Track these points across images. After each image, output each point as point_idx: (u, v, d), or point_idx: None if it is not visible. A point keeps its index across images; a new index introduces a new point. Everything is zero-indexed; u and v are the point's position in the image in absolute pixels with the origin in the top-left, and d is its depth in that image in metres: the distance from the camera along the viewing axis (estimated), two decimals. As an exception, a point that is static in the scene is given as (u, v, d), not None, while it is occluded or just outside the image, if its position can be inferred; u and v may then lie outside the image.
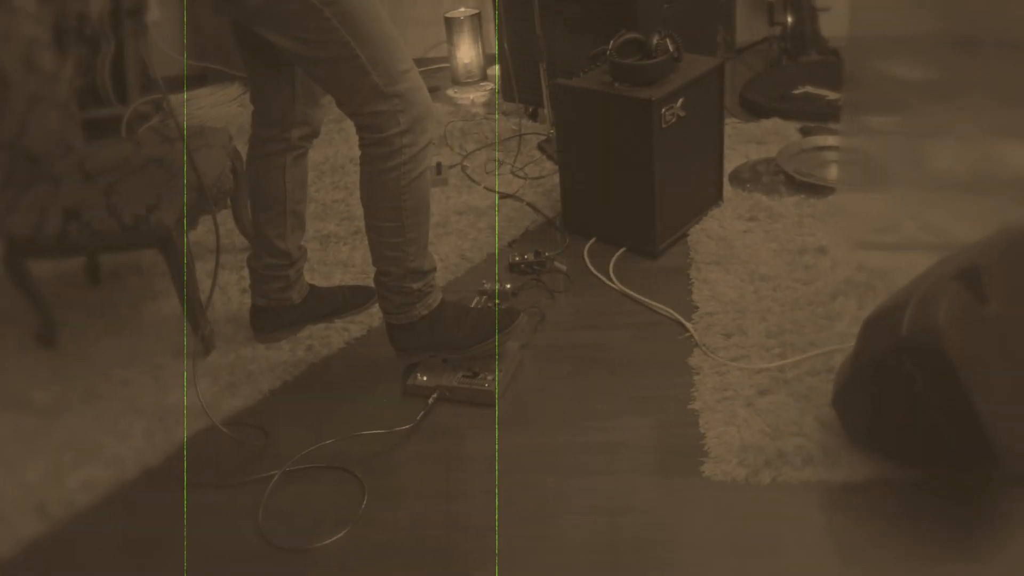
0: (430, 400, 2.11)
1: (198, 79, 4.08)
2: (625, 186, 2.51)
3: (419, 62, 4.01)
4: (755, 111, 3.31)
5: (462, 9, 3.73)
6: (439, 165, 3.10)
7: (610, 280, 2.48)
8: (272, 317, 2.37)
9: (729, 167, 2.92)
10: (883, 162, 2.64)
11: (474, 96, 3.74)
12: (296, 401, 2.22)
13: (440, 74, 3.94)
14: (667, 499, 1.81)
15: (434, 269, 2.12)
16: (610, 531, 1.75)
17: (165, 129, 2.57)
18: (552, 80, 2.64)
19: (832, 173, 2.82)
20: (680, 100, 2.43)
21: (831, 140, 2.94)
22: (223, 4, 1.86)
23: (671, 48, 2.42)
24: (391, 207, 1.97)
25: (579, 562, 1.70)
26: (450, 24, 3.69)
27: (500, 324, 2.13)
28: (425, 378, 2.16)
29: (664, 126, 2.40)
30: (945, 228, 2.43)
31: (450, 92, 3.80)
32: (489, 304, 2.38)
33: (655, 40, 2.43)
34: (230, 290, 2.64)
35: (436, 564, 1.75)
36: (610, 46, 2.44)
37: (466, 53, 3.72)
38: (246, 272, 2.41)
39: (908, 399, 1.66)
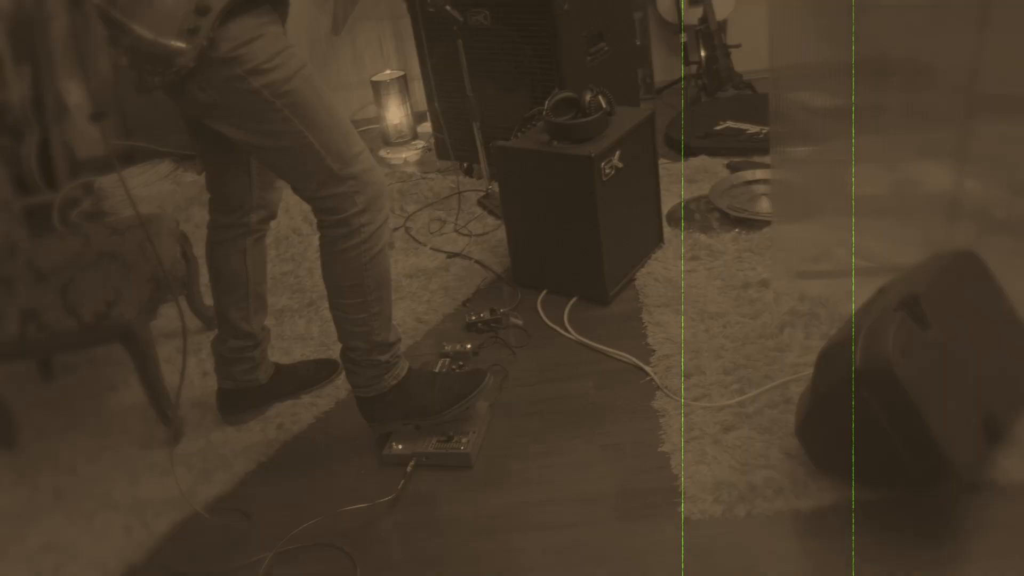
0: (408, 468, 2.15)
1: (126, 158, 4.06)
2: (571, 239, 2.60)
3: (349, 125, 4.13)
4: (680, 150, 3.45)
5: (387, 72, 3.81)
6: (384, 229, 3.15)
7: (566, 331, 2.56)
8: (240, 399, 2.38)
9: (664, 208, 3.04)
10: (811, 191, 2.78)
11: (407, 155, 3.81)
12: (274, 481, 2.23)
13: (371, 135, 4.00)
14: (649, 543, 1.88)
15: (399, 340, 2.17)
16: (600, 581, 1.82)
17: (109, 219, 2.56)
18: (490, 141, 2.72)
19: (764, 206, 2.96)
20: (617, 153, 2.54)
21: (759, 173, 3.09)
22: (179, 100, 1.89)
23: (603, 104, 2.53)
24: (354, 285, 2.02)
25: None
26: (377, 87, 3.76)
27: (468, 387, 2.18)
28: (400, 446, 2.20)
29: (604, 179, 2.50)
30: (875, 251, 2.57)
31: (382, 153, 3.86)
32: (453, 367, 2.43)
33: (588, 97, 2.53)
34: (190, 373, 2.64)
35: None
36: (545, 106, 2.54)
37: (395, 114, 3.79)
38: (204, 355, 2.42)
39: (866, 425, 1.77)
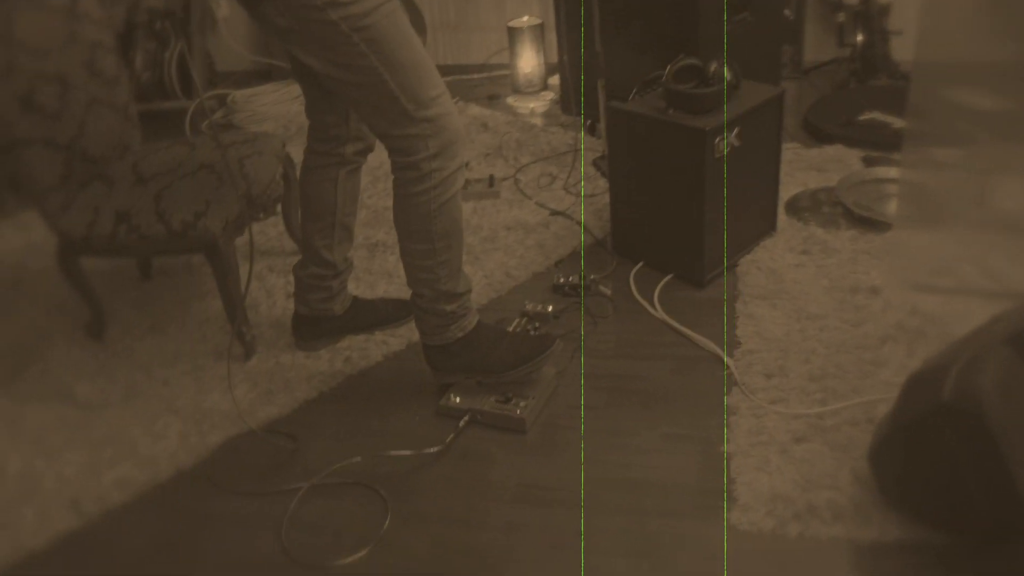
0: (461, 423, 2.11)
1: (263, 75, 4.13)
2: (674, 213, 2.47)
3: (481, 68, 4.08)
4: (818, 136, 3.23)
5: (525, 18, 3.71)
6: (491, 178, 3.09)
7: (654, 308, 2.45)
8: (313, 326, 2.39)
9: (786, 195, 2.85)
10: (945, 198, 2.54)
11: (534, 105, 3.72)
12: (330, 413, 2.23)
13: (501, 82, 3.93)
14: (691, 546, 1.77)
15: (469, 291, 2.11)
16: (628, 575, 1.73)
17: (220, 133, 2.59)
18: (608, 100, 2.60)
19: (893, 208, 2.74)
20: (736, 129, 2.38)
21: (894, 172, 2.85)
22: (259, 22, 1.87)
23: (729, 76, 2.37)
24: (422, 230, 1.97)
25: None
26: (512, 33, 3.67)
27: (535, 351, 2.11)
28: (458, 399, 2.15)
29: (717, 156, 2.35)
30: (1007, 274, 2.33)
31: (510, 101, 3.78)
32: (528, 327, 2.36)
33: (713, 67, 2.38)
34: (277, 294, 2.67)
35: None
36: (666, 71, 2.40)
37: (527, 62, 3.70)
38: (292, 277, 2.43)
39: (945, 464, 1.60)
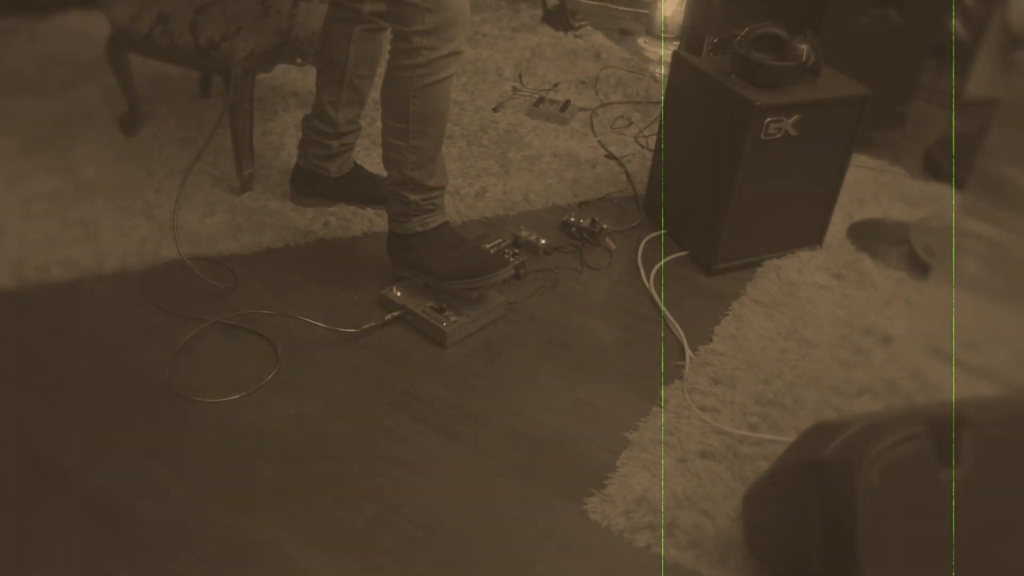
0: (388, 317, 2.03)
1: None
2: (706, 188, 2.25)
3: (626, 1, 3.85)
4: (933, 171, 2.87)
5: (680, -42, 3.46)
6: (567, 103, 2.93)
7: (647, 278, 2.26)
8: (308, 181, 2.35)
9: (857, 215, 2.56)
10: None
11: (664, 52, 3.49)
12: (283, 265, 2.20)
13: (639, 20, 3.71)
14: (532, 516, 1.64)
15: (441, 187, 2.01)
16: (454, 519, 1.62)
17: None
18: (680, 50, 2.38)
19: (967, 267, 2.40)
20: (795, 116, 2.12)
21: (985, 229, 2.49)
22: None
23: (805, 55, 2.11)
24: (399, 107, 1.87)
25: (391, 532, 1.59)
26: (662, -29, 3.44)
27: (481, 269, 1.99)
28: (399, 294, 2.07)
29: (765, 138, 2.11)
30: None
31: (641, 41, 3.56)
32: (507, 252, 2.23)
33: (794, 41, 2.12)
34: (290, 143, 2.63)
35: (291, 459, 1.70)
36: (743, 32, 2.16)
37: (669, 6, 3.47)
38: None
39: (800, 522, 1.40)
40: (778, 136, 2.13)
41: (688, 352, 2.03)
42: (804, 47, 2.12)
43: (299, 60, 2.45)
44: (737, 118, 2.10)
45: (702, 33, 2.79)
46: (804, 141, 2.17)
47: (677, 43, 3.55)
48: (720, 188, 2.19)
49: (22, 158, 2.50)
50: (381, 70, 2.01)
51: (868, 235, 2.50)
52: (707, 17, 2.73)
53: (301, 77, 2.97)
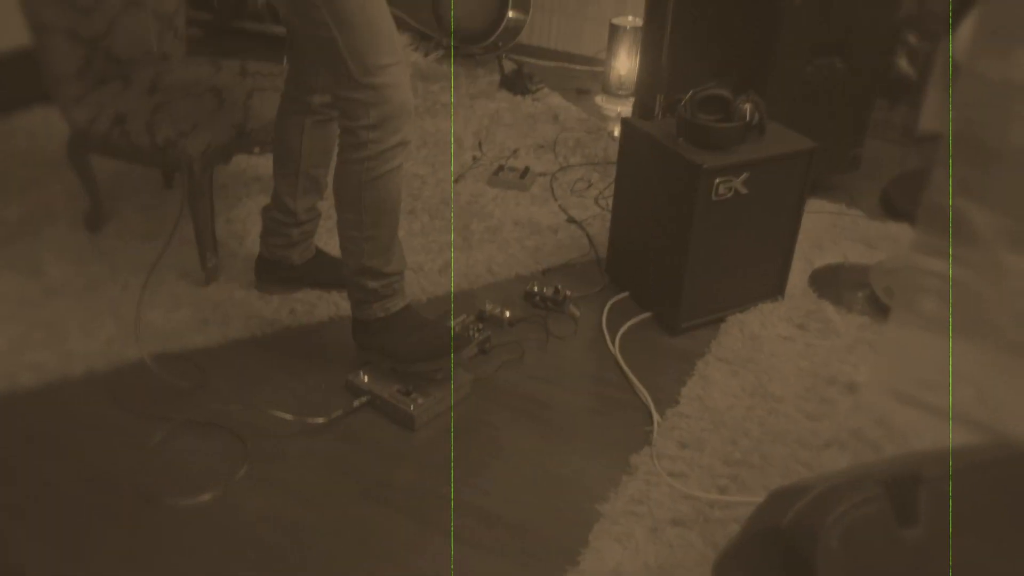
0: (356, 403, 2.04)
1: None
2: (662, 250, 2.29)
3: (581, 60, 3.94)
4: (889, 210, 2.91)
5: (630, 18, 3.54)
6: (526, 170, 2.98)
7: (612, 343, 2.28)
8: (270, 270, 2.38)
9: (818, 262, 2.60)
10: (992, 311, 2.24)
11: (621, 109, 3.56)
12: (249, 357, 2.21)
13: (595, 78, 3.78)
14: (504, 595, 1.65)
15: (399, 273, 2.03)
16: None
17: (256, 64, 2.60)
18: (628, 116, 2.43)
19: (926, 305, 2.43)
20: (744, 175, 2.17)
21: (943, 266, 2.53)
22: None
23: (748, 115, 2.16)
24: (352, 199, 1.91)
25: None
26: (614, 31, 3.51)
27: (444, 349, 2.01)
28: (366, 378, 2.08)
29: (715, 199, 2.15)
30: (1005, 406, 2.03)
31: (598, 99, 3.63)
32: (470, 328, 2.25)
33: (738, 102, 2.17)
34: (254, 230, 2.65)
35: (267, 557, 1.70)
36: (687, 96, 2.21)
37: (623, 64, 3.54)
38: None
39: (766, 595, 1.40)
40: (729, 195, 2.17)
41: (656, 416, 2.05)
42: (748, 106, 2.17)
43: (256, 149, 2.49)
44: (687, 181, 2.14)
45: (653, 94, 2.85)
46: (755, 198, 2.22)
47: (633, 100, 3.62)
48: (676, 250, 2.22)
49: (-15, 259, 2.52)
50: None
51: (829, 281, 2.54)
52: (657, 77, 2.79)
53: (263, 162, 3.01)
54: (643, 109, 3.05)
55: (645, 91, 3.04)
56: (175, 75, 2.48)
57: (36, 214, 2.74)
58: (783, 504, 1.43)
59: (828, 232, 2.78)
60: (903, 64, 3.38)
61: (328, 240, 2.59)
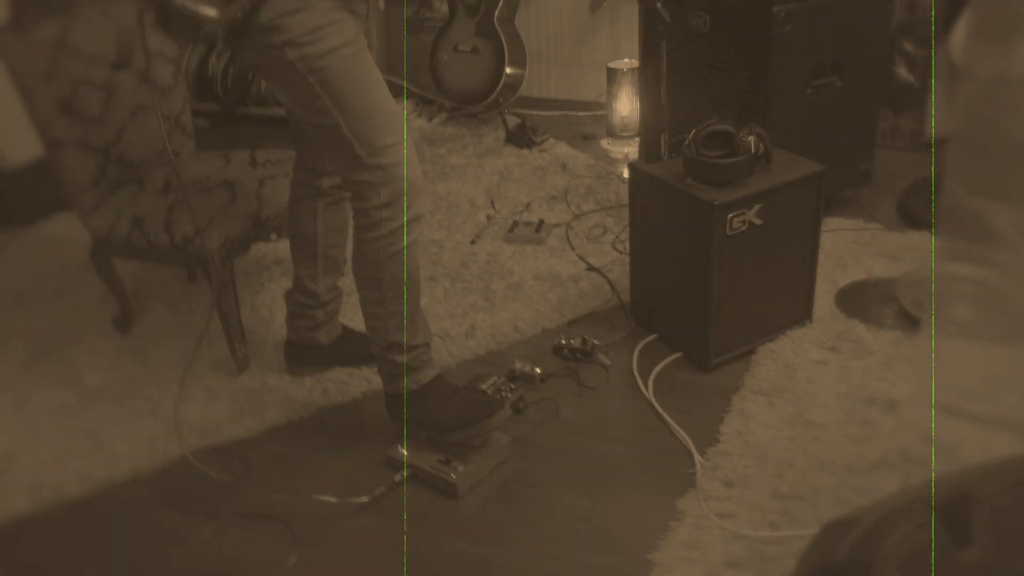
0: (396, 478, 2.05)
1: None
2: (684, 289, 2.29)
3: (588, 106, 3.97)
4: (908, 219, 2.90)
5: (626, 60, 3.57)
6: (540, 223, 3.00)
7: (646, 387, 2.28)
8: (300, 353, 2.40)
9: (842, 281, 2.59)
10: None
11: (628, 150, 3.58)
12: (289, 443, 2.23)
13: (599, 122, 3.81)
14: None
15: (426, 344, 2.05)
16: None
17: (264, 153, 2.65)
18: (635, 161, 2.45)
19: (959, 313, 2.41)
20: (756, 206, 2.17)
21: (971, 271, 2.51)
22: (236, 56, 1.89)
23: (753, 147, 2.17)
24: (372, 278, 1.93)
25: None
26: (612, 74, 3.54)
27: (480, 415, 2.02)
28: (405, 452, 2.09)
29: (731, 233, 2.16)
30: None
31: (603, 143, 3.66)
32: (503, 389, 2.26)
33: (741, 135, 2.18)
34: (280, 313, 2.68)
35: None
36: (690, 135, 2.23)
37: (624, 105, 3.56)
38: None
39: (830, 634, 1.38)
40: (744, 228, 2.18)
41: (697, 457, 2.03)
42: (752, 138, 2.18)
43: (274, 236, 2.53)
44: (700, 219, 2.15)
45: (657, 134, 2.87)
46: (771, 227, 2.22)
47: (638, 139, 3.65)
48: (698, 287, 2.23)
49: (25, 373, 2.56)
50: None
51: (856, 299, 2.52)
52: (659, 117, 2.80)
53: (281, 245, 3.05)
54: (648, 151, 3.06)
55: (649, 132, 3.05)
56: (187, 172, 2.54)
57: (67, 322, 2.79)
58: (835, 538, 1.42)
59: (849, 249, 2.77)
60: (903, 72, 3.39)
61: (352, 316, 2.61)
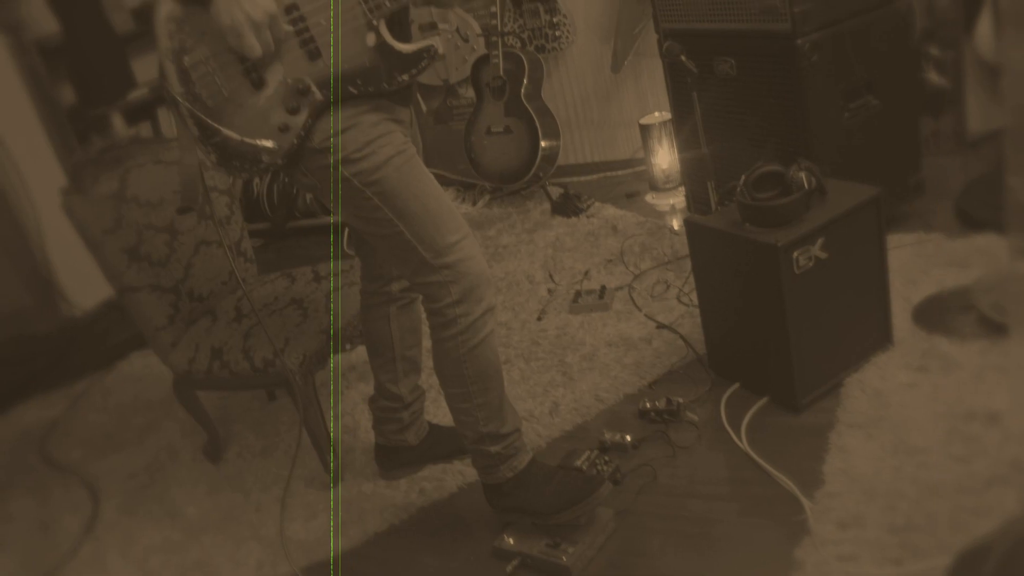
0: (509, 568, 2.04)
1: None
2: (761, 333, 2.28)
3: (625, 164, 4.01)
4: (969, 223, 2.87)
5: (656, 114, 3.62)
6: (603, 289, 3.02)
7: (739, 438, 2.26)
8: (391, 456, 2.42)
9: (916, 298, 2.55)
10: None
11: (673, 202, 3.60)
12: (394, 546, 2.24)
13: (640, 178, 3.84)
14: None
15: (516, 430, 2.06)
16: None
17: (325, 266, 2.72)
18: (689, 213, 2.47)
19: (1044, 312, 2.36)
20: (819, 241, 2.17)
21: (1047, 269, 2.46)
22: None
23: (805, 183, 2.17)
24: (455, 374, 1.96)
25: None
26: (645, 130, 3.59)
27: (581, 494, 2.01)
28: (512, 541, 2.09)
29: (798, 271, 2.15)
30: None
31: (648, 198, 3.69)
32: (597, 462, 2.25)
33: (791, 173, 2.19)
34: (364, 420, 2.73)
35: None
36: (741, 181, 2.24)
37: (663, 158, 3.60)
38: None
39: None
40: (810, 265, 2.17)
41: (805, 502, 2.00)
42: (803, 174, 2.18)
43: (348, 347, 2.57)
44: (767, 262, 2.15)
45: (703, 183, 2.89)
46: (836, 258, 2.21)
47: (681, 189, 3.67)
48: (775, 330, 2.21)
49: (126, 517, 2.62)
50: (427, 329, 2.10)
51: (934, 314, 2.48)
52: (702, 166, 2.83)
53: (355, 352, 3.10)
54: (697, 201, 3.09)
55: (694, 183, 3.08)
56: (254, 297, 2.61)
57: (160, 457, 2.86)
58: (970, 571, 1.39)
59: (916, 264, 2.74)
60: (934, 76, 3.38)
61: (435, 412, 2.64)
